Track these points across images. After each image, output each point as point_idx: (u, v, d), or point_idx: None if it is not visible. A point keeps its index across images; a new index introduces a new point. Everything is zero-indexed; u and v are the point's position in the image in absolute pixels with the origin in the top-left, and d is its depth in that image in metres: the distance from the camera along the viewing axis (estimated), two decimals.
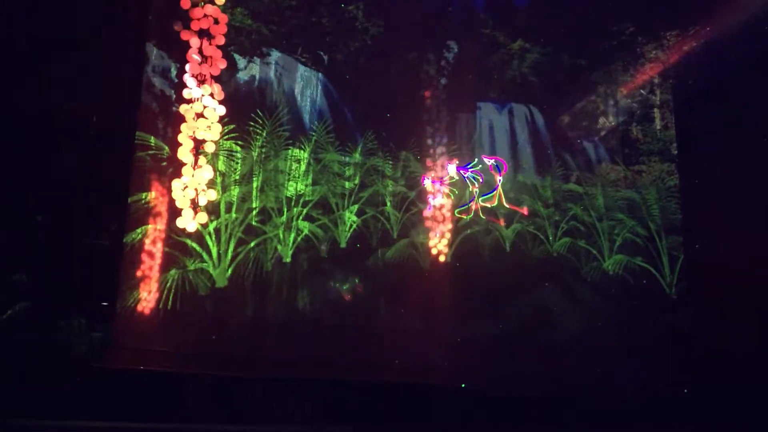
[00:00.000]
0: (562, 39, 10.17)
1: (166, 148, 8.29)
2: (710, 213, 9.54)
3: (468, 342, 8.96)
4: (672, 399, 8.71)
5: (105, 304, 7.84)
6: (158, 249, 8.28)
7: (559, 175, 10.12)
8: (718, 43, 9.69)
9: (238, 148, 8.76)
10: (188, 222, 7.80)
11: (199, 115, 7.76)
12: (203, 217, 7.85)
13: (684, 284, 9.72)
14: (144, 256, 8.22)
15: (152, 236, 8.21)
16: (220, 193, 8.51)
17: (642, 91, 10.50)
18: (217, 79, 7.94)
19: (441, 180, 9.48)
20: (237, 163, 8.79)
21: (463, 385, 8.45)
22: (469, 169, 9.51)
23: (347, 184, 9.37)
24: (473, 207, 9.51)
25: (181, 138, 7.75)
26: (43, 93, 7.67)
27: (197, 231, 8.25)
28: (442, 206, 9.58)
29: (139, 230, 8.17)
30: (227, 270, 8.56)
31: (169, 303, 8.24)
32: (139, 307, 8.13)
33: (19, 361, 6.93)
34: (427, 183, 9.50)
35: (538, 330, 9.20)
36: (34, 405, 6.70)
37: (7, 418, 6.49)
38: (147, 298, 8.17)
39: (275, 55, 9.35)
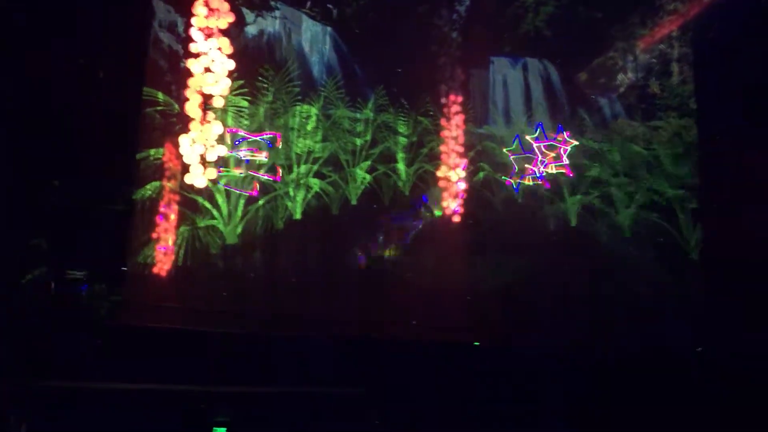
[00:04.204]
0: None
1: (175, 104, 8.22)
2: (729, 168, 9.33)
3: (481, 301, 8.90)
4: (686, 357, 8.65)
5: (124, 268, 7.84)
6: (169, 207, 8.25)
7: (575, 130, 9.92)
8: None
9: (246, 103, 8.67)
10: (197, 178, 7.72)
11: (207, 70, 7.63)
12: (212, 172, 7.77)
13: (702, 243, 9.55)
14: (154, 215, 8.20)
15: (162, 194, 8.18)
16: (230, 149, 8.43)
17: (660, 45, 10.24)
18: (224, 33, 7.78)
19: None
20: (246, 119, 8.70)
21: (476, 343, 8.42)
22: None
23: (358, 141, 9.25)
24: None
25: (188, 93, 7.64)
26: (50, 51, 7.56)
27: (207, 188, 8.19)
28: (456, 165, 9.43)
29: (148, 187, 8.13)
30: (237, 227, 8.53)
31: (180, 260, 8.21)
32: (151, 265, 8.12)
33: (39, 325, 6.93)
34: None
35: (551, 287, 9.10)
36: (54, 367, 6.72)
37: (30, 379, 6.51)
38: (159, 255, 8.17)
39: (284, 9, 9.21)
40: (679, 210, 9.75)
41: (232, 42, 7.91)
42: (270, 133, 8.74)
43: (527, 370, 7.93)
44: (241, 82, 8.53)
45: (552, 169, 9.49)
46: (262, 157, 8.55)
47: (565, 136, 9.43)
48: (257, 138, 8.68)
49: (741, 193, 9.04)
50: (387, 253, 9.18)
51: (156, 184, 8.20)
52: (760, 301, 8.45)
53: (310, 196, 8.96)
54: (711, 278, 9.26)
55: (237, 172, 8.49)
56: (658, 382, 7.92)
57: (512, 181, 9.51)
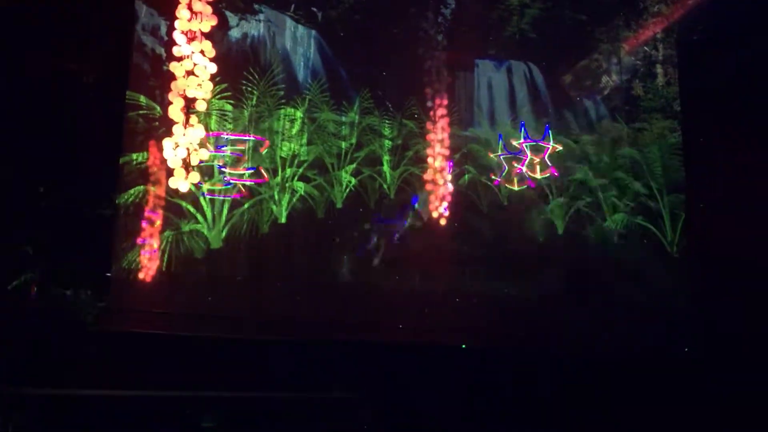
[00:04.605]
0: None
1: (158, 108, 8.19)
2: (714, 170, 9.39)
3: (467, 302, 8.92)
4: (672, 357, 8.69)
5: (108, 274, 7.79)
6: (153, 211, 8.22)
7: (560, 132, 9.93)
8: None
9: (230, 107, 8.65)
10: (181, 182, 7.67)
11: (190, 73, 7.57)
12: (196, 176, 7.72)
13: (686, 243, 9.59)
14: (138, 219, 8.16)
15: (146, 198, 8.15)
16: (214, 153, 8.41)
17: (645, 47, 10.28)
18: (207, 36, 7.74)
19: None
20: (229, 123, 8.67)
21: (463, 346, 8.43)
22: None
23: (343, 144, 9.23)
24: None
25: (171, 96, 7.58)
26: (31, 55, 7.52)
27: (191, 192, 8.16)
28: (442, 168, 9.44)
29: (132, 191, 8.09)
30: (222, 231, 8.49)
31: (164, 266, 8.17)
32: (135, 270, 8.07)
33: (24, 332, 6.89)
34: None
35: (538, 289, 9.11)
36: (39, 373, 6.69)
37: (14, 386, 6.48)
38: (142, 260, 8.12)
39: (267, 12, 9.18)
40: (665, 212, 9.78)
41: (216, 45, 7.87)
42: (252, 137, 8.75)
43: (515, 372, 7.97)
44: (225, 85, 8.50)
45: (538, 173, 9.55)
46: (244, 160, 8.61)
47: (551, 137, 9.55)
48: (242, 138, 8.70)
49: (727, 194, 9.11)
50: (373, 256, 9.15)
51: (139, 188, 8.16)
52: (750, 301, 8.51)
53: (295, 199, 8.93)
54: (696, 279, 9.32)
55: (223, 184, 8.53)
56: (650, 384, 7.97)
57: (499, 182, 9.55)
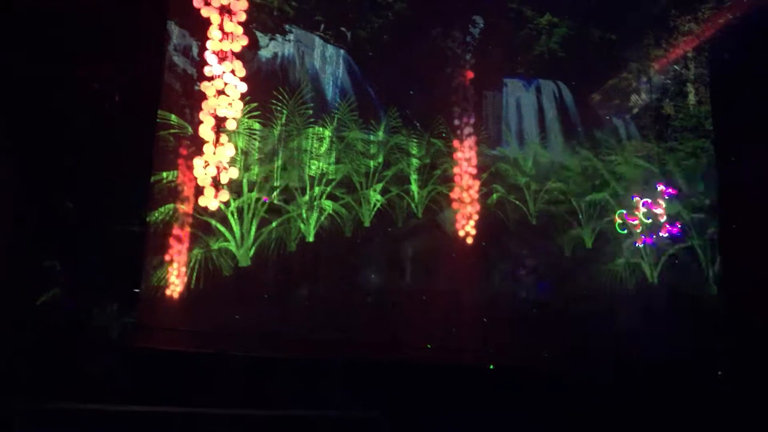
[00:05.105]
0: (591, 12, 9.92)
1: (189, 127, 8.27)
2: (747, 190, 9.23)
3: (496, 322, 8.83)
4: (706, 381, 8.53)
5: (137, 290, 7.84)
6: (182, 229, 8.28)
7: (589, 152, 9.87)
8: (756, 14, 9.35)
9: (259, 126, 8.70)
10: (210, 200, 7.74)
11: (220, 92, 7.68)
12: (225, 195, 7.79)
13: (720, 265, 9.44)
14: (167, 237, 8.22)
15: (175, 216, 8.21)
16: (243, 172, 8.45)
17: (675, 66, 10.19)
18: (238, 56, 7.85)
19: None
20: (259, 141, 8.72)
21: (491, 366, 8.34)
22: None
23: (371, 163, 9.24)
24: None
25: (202, 115, 7.69)
26: (65, 73, 7.64)
27: (220, 210, 8.21)
28: (469, 187, 9.42)
29: (162, 209, 8.16)
30: (250, 250, 8.52)
31: (193, 283, 8.20)
32: (164, 287, 8.12)
33: (52, 347, 6.94)
34: None
35: (570, 310, 9.01)
36: (65, 388, 6.71)
37: (41, 400, 6.51)
38: (171, 278, 8.16)
39: (297, 32, 9.26)
40: (696, 234, 9.65)
41: (246, 65, 7.97)
42: None
43: (543, 393, 7.86)
44: (255, 104, 8.57)
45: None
46: None
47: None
48: None
49: (760, 215, 8.96)
50: (401, 275, 9.14)
51: (169, 206, 8.23)
52: None
53: (323, 218, 8.94)
54: (732, 305, 9.16)
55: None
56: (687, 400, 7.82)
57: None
